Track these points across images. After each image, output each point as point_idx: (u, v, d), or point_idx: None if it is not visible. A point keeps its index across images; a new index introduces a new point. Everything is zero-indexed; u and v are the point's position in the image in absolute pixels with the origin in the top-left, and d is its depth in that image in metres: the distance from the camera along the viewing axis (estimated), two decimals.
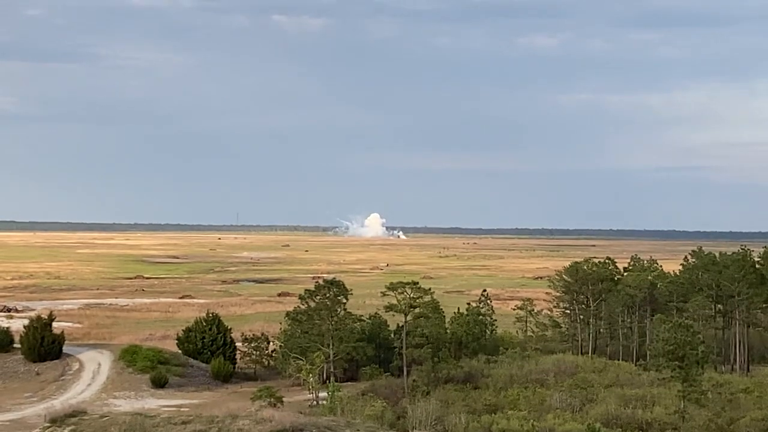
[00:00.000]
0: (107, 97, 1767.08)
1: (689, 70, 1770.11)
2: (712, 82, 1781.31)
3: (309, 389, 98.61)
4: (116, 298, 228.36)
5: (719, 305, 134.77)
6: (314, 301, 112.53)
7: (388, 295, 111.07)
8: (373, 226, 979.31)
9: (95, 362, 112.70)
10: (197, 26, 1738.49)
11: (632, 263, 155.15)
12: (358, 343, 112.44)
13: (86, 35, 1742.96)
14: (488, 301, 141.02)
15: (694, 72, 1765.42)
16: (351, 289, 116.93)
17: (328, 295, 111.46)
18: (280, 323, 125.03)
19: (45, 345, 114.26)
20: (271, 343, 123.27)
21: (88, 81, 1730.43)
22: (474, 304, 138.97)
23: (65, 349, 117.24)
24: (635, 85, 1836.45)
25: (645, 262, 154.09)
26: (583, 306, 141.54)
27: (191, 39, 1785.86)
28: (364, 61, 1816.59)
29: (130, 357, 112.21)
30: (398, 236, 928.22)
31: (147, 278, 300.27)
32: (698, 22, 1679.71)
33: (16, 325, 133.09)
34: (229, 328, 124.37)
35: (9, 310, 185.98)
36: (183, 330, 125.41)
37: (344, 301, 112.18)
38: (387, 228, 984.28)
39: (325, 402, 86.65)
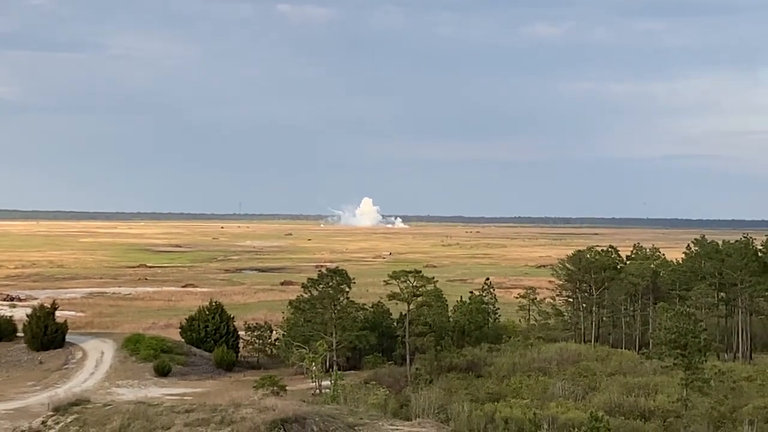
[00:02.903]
0: (111, 87, 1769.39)
1: (693, 59, 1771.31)
2: (715, 71, 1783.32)
3: (312, 378, 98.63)
4: (119, 287, 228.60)
5: (722, 293, 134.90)
6: (317, 289, 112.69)
7: (391, 283, 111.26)
8: (367, 213, 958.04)
9: (98, 351, 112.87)
10: (201, 16, 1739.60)
11: (635, 251, 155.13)
12: (361, 332, 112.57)
13: (90, 25, 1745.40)
14: (491, 290, 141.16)
15: (698, 61, 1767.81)
16: (354, 278, 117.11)
17: (330, 283, 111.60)
18: (283, 312, 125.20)
19: (48, 334, 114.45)
20: (274, 332, 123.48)
21: (91, 70, 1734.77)
22: (477, 293, 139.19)
23: (68, 337, 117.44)
24: (638, 73, 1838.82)
25: (648, 250, 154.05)
26: (586, 294, 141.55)
27: (195, 28, 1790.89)
28: (368, 50, 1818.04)
29: (133, 346, 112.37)
30: (394, 224, 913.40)
31: (150, 267, 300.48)
32: (702, 11, 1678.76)
33: (19, 314, 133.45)
34: (231, 316, 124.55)
35: (12, 299, 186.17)
36: (186, 319, 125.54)
37: (347, 289, 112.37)
38: (383, 216, 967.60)
39: (328, 390, 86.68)
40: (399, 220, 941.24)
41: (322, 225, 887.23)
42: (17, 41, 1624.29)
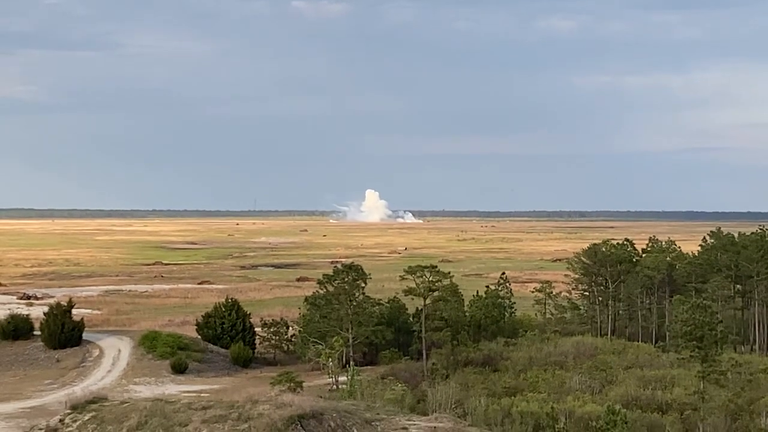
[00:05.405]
0: (126, 85, 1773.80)
1: (709, 51, 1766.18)
2: (731, 63, 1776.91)
3: (328, 374, 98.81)
4: (135, 284, 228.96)
5: (738, 286, 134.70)
6: (333, 285, 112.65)
7: (406, 278, 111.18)
8: (373, 207, 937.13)
9: (115, 349, 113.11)
10: (217, 12, 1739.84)
11: (650, 244, 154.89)
12: (377, 327, 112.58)
13: (106, 23, 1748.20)
14: (507, 284, 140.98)
15: (714, 53, 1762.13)
16: (369, 273, 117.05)
17: (346, 279, 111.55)
18: (299, 308, 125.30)
19: (65, 332, 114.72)
20: (291, 328, 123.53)
21: (107, 69, 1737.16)
22: (493, 287, 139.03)
23: (85, 335, 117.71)
24: (654, 66, 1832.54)
25: (663, 243, 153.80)
26: (602, 288, 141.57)
27: (211, 25, 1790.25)
28: (383, 45, 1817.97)
29: (150, 343, 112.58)
30: (404, 218, 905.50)
31: (166, 264, 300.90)
32: (718, 3, 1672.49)
33: (36, 312, 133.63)
34: (248, 313, 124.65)
35: (29, 298, 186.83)
36: (202, 316, 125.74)
37: (363, 285, 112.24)
38: (392, 210, 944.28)
39: (344, 386, 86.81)
40: (409, 214, 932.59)
41: (331, 221, 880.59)
42: (34, 41, 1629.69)
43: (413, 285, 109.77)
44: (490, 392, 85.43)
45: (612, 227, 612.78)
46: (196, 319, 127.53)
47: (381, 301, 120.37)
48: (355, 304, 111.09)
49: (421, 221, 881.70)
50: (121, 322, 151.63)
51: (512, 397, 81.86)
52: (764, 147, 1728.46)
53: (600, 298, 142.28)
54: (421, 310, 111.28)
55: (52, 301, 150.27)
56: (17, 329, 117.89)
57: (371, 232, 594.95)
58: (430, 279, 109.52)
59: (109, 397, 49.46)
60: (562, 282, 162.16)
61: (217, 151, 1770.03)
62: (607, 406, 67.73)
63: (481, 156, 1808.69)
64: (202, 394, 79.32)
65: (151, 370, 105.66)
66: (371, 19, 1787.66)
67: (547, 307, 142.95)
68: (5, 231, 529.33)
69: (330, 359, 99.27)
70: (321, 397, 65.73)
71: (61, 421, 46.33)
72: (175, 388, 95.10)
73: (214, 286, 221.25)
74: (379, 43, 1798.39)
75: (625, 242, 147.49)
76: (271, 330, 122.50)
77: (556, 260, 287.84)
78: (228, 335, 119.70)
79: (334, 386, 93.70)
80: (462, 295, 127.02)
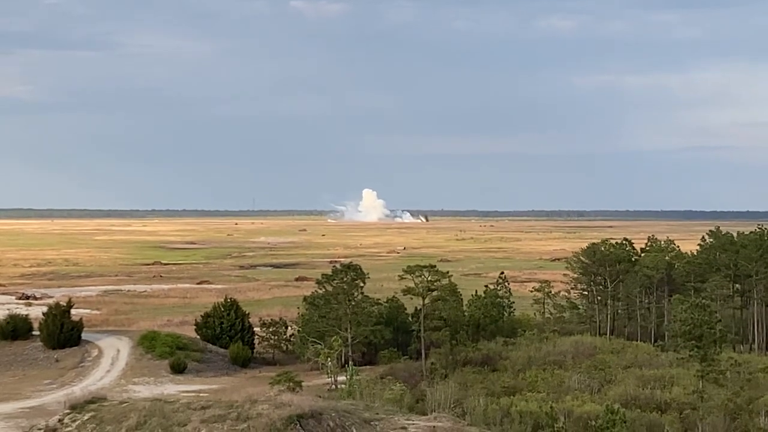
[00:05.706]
0: (125, 85, 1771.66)
1: (708, 51, 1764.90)
2: (731, 63, 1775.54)
3: (327, 373, 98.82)
4: (134, 284, 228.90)
5: (737, 285, 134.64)
6: (331, 285, 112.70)
7: (405, 278, 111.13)
8: (371, 207, 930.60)
9: (114, 348, 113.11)
10: (217, 12, 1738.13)
11: (649, 244, 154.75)
12: (376, 327, 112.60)
13: (106, 23, 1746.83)
14: (506, 284, 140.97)
15: (714, 52, 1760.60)
16: (368, 273, 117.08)
17: (345, 279, 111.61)
18: (298, 308, 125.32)
19: (64, 332, 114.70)
20: (289, 328, 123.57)
21: (106, 69, 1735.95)
22: (491, 287, 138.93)
23: (84, 335, 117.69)
24: (654, 66, 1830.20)
25: (662, 242, 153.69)
26: (601, 287, 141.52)
27: (211, 25, 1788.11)
28: (383, 45, 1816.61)
29: (149, 343, 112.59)
30: (402, 218, 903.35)
31: (165, 264, 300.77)
32: (718, 3, 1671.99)
33: (35, 312, 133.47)
34: (246, 313, 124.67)
35: (28, 298, 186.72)
36: (201, 315, 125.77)
37: (361, 284, 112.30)
38: (390, 210, 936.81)
39: (343, 386, 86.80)
40: (407, 214, 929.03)
41: (329, 220, 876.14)
42: (34, 41, 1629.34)
43: (412, 284, 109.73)
44: (489, 392, 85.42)
45: (611, 227, 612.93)
46: (195, 319, 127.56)
47: (380, 301, 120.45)
48: (353, 303, 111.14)
49: (419, 221, 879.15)
50: (120, 322, 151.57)
51: (511, 397, 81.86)
52: (764, 147, 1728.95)
53: (599, 298, 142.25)
54: (420, 309, 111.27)
55: (51, 301, 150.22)
56: (16, 329, 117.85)
57: (370, 231, 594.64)
58: (429, 279, 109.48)
59: (108, 397, 49.47)
60: (561, 281, 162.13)
61: (216, 151, 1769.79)
62: (606, 406, 67.70)
63: (481, 156, 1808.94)
64: (201, 394, 79.31)
65: (150, 370, 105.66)
66: (371, 19, 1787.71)
67: (545, 306, 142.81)
68: (4, 231, 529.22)
69: (329, 359, 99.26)
70: (320, 396, 65.72)
71: (60, 421, 46.34)
72: (174, 387, 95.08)
73: (213, 285, 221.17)
74: (379, 43, 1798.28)
75: (624, 242, 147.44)
76: (270, 330, 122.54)
77: (554, 260, 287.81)
78: (227, 335, 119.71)
79: (333, 386, 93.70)
80: (461, 295, 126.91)
